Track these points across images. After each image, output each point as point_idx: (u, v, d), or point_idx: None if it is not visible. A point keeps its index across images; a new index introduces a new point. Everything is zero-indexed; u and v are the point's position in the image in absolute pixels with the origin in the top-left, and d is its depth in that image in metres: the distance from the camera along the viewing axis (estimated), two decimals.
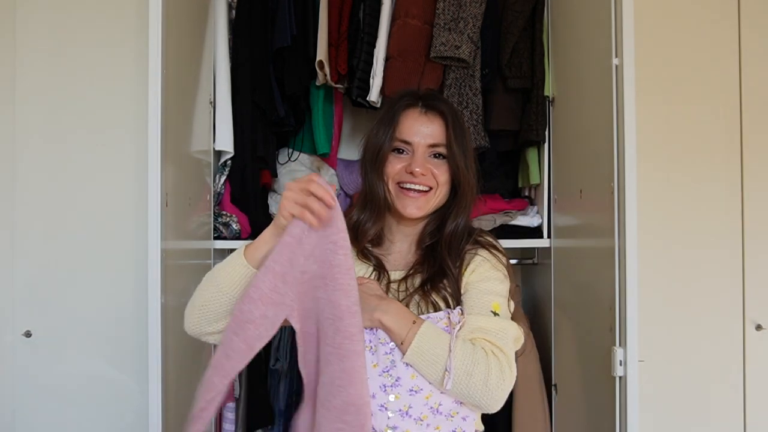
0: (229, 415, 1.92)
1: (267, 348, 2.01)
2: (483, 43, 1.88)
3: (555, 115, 1.87)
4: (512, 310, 1.21)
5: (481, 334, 1.10)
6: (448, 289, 1.17)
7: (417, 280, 1.20)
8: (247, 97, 1.88)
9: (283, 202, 1.02)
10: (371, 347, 1.11)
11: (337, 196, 2.23)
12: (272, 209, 2.06)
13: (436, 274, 1.19)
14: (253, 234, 1.94)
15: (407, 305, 1.16)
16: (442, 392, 1.08)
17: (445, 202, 1.24)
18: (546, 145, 1.90)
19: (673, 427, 1.89)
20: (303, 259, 1.03)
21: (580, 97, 1.66)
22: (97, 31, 1.87)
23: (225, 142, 1.85)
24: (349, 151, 2.27)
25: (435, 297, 1.17)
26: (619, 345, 1.35)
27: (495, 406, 1.08)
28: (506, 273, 1.23)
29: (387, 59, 1.85)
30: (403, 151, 1.20)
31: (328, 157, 2.09)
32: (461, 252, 1.22)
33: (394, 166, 1.20)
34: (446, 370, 1.05)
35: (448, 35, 1.82)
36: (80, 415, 1.84)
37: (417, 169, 1.18)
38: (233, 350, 1.04)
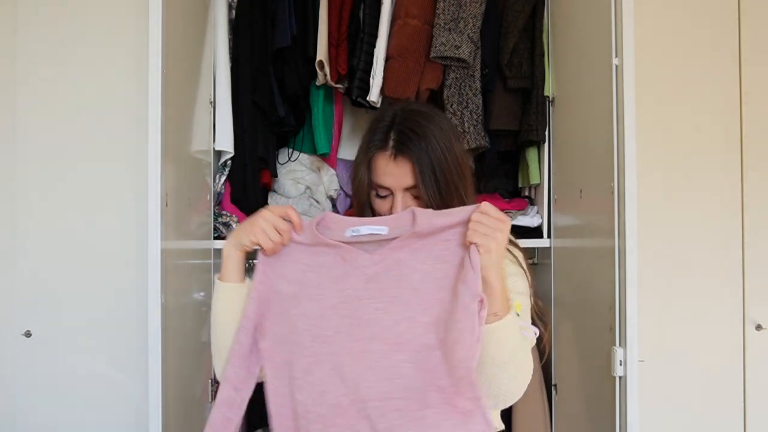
0: None
1: None
2: (483, 43, 1.88)
3: (555, 115, 1.87)
4: (532, 303, 1.22)
5: None
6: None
7: None
8: (247, 97, 1.88)
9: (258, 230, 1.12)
10: None
11: (337, 197, 2.24)
12: None
13: None
14: None
15: None
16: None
17: None
18: (546, 145, 1.90)
19: (673, 427, 1.89)
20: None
21: (580, 97, 1.66)
22: (97, 30, 1.87)
23: (225, 142, 1.85)
24: (349, 151, 2.27)
25: None
26: (619, 345, 1.35)
27: (510, 401, 1.09)
28: (525, 267, 1.23)
29: (387, 59, 1.85)
30: (385, 195, 1.21)
31: (328, 157, 2.09)
32: None
33: (381, 208, 1.21)
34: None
35: (448, 35, 1.82)
36: (80, 415, 1.84)
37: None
38: (240, 382, 1.15)
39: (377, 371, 1.04)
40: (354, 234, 1.11)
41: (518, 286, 1.18)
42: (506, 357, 1.03)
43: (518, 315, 1.14)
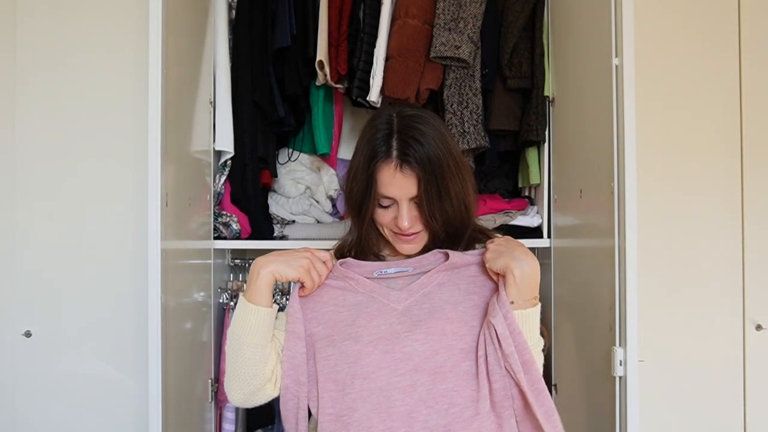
0: (229, 415, 1.92)
1: None
2: (483, 43, 1.88)
3: (555, 115, 1.87)
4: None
5: None
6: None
7: None
8: (247, 97, 1.88)
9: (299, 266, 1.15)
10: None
11: (337, 196, 2.24)
12: (272, 209, 2.06)
13: None
14: (253, 234, 1.94)
15: None
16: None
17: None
18: (546, 145, 1.90)
19: (673, 427, 1.89)
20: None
21: (580, 97, 1.66)
22: (97, 31, 1.87)
23: (225, 142, 1.85)
24: (349, 151, 2.27)
25: None
26: (619, 345, 1.35)
27: None
28: None
29: (387, 59, 1.85)
30: (388, 205, 1.19)
31: (328, 157, 2.09)
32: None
33: (383, 219, 1.20)
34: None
35: (448, 35, 1.82)
36: (80, 415, 1.85)
37: (404, 225, 1.17)
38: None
39: (429, 403, 1.06)
40: (381, 274, 1.17)
41: None
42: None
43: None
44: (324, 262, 1.17)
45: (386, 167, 1.15)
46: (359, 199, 1.19)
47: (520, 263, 1.10)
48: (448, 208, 1.17)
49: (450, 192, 1.17)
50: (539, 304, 1.14)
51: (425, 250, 1.25)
